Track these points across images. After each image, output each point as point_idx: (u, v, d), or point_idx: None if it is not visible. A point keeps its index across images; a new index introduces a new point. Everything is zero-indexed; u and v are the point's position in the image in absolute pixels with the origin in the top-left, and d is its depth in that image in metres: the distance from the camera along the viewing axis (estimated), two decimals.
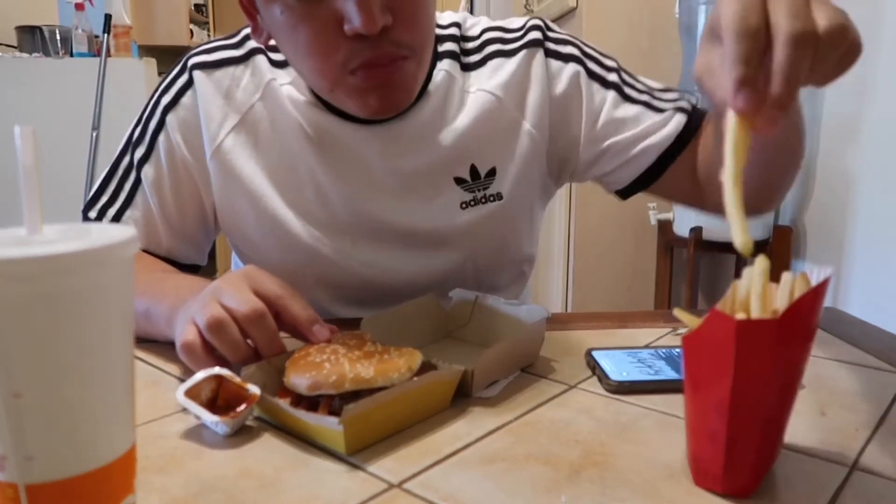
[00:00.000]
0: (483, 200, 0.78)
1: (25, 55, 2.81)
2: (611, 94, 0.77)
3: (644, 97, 0.77)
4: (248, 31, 0.77)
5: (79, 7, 2.99)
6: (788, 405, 0.41)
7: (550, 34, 0.78)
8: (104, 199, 0.78)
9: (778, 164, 0.67)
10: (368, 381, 0.46)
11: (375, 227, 0.77)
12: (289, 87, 0.75)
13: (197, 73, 0.75)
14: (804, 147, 0.68)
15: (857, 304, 1.62)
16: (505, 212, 0.80)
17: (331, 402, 0.47)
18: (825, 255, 1.77)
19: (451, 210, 0.78)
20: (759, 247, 1.81)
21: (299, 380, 0.47)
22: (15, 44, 2.94)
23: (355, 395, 0.46)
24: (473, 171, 0.77)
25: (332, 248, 0.77)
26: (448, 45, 0.77)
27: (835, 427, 0.49)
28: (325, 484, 0.41)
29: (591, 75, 0.77)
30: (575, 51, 0.78)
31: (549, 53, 0.77)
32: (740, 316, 0.38)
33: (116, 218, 0.77)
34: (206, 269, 0.87)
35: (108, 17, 2.76)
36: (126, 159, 0.78)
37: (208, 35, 4.57)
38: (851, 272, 1.66)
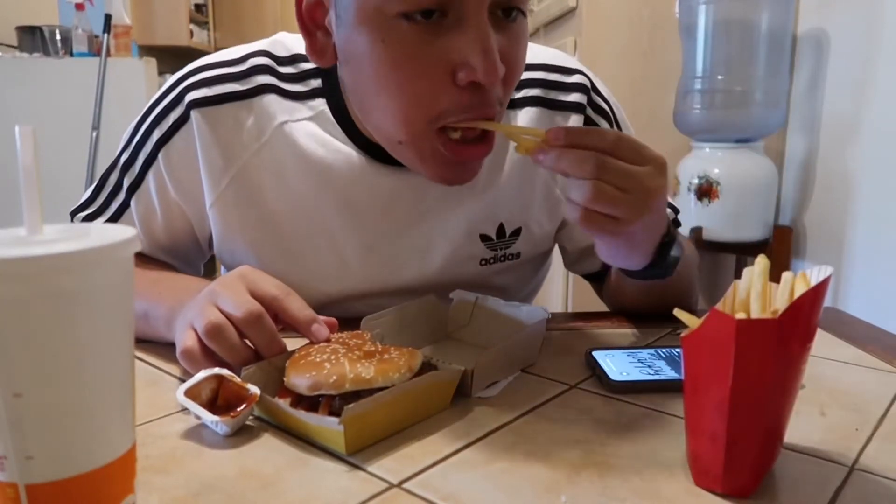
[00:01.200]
0: (502, 259, 0.77)
1: (25, 55, 2.81)
2: None
3: None
4: (255, 61, 0.70)
5: (79, 7, 2.99)
6: (788, 405, 0.41)
7: (594, 99, 0.76)
8: (91, 210, 0.76)
9: (666, 297, 0.71)
10: (369, 382, 0.46)
11: (387, 281, 0.74)
12: (309, 123, 0.69)
13: (195, 114, 0.68)
14: (690, 284, 0.77)
15: (857, 304, 1.62)
16: (519, 267, 0.79)
17: (331, 402, 0.47)
18: (825, 255, 1.77)
19: (469, 266, 0.75)
20: (759, 247, 1.81)
21: (299, 380, 0.47)
22: (15, 44, 2.94)
23: (356, 394, 0.46)
24: (500, 229, 0.75)
25: (336, 300, 0.74)
26: None
27: (835, 427, 0.49)
28: (325, 484, 0.41)
29: None
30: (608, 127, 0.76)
31: (587, 123, 0.75)
32: (740, 316, 0.38)
33: None
34: (207, 267, 0.87)
35: (108, 17, 2.76)
36: (115, 176, 0.75)
37: (208, 35, 4.56)
38: (851, 272, 1.66)
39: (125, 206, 0.74)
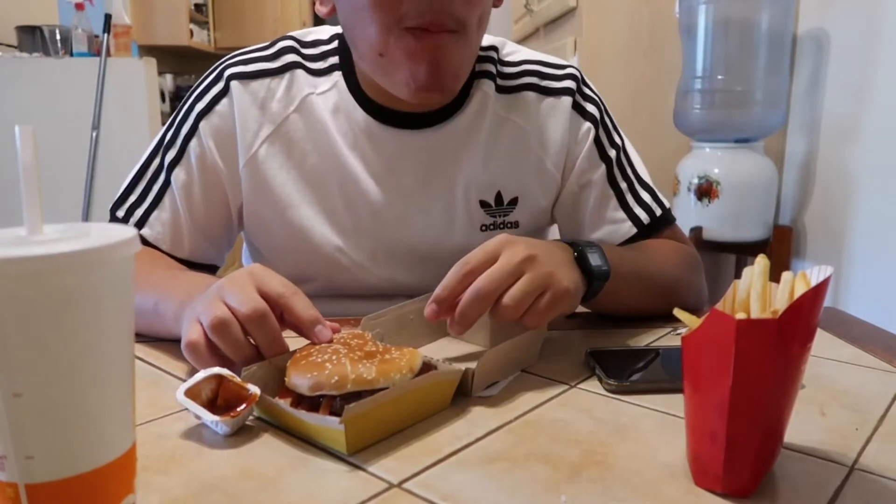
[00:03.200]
0: (501, 226, 0.82)
1: (25, 55, 2.80)
2: (601, 168, 0.82)
3: (623, 185, 0.82)
4: (283, 43, 0.80)
5: (79, 7, 2.99)
6: (788, 405, 0.41)
7: (583, 89, 0.83)
8: (132, 198, 0.80)
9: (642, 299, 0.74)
10: (370, 382, 0.46)
11: (396, 241, 0.80)
12: (330, 92, 0.78)
13: (234, 83, 0.77)
14: (670, 288, 0.76)
15: (857, 304, 1.62)
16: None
17: (332, 403, 0.47)
18: (825, 255, 1.77)
19: (471, 231, 0.81)
20: (759, 247, 1.81)
21: (300, 380, 0.47)
22: (15, 44, 2.94)
23: (356, 394, 0.46)
24: (498, 197, 0.81)
25: (352, 261, 0.80)
26: (486, 66, 0.80)
27: (835, 427, 0.49)
28: (325, 484, 0.41)
29: (597, 141, 0.82)
30: (596, 113, 0.82)
31: (576, 106, 0.81)
32: (740, 316, 0.38)
33: (144, 218, 0.78)
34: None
35: (108, 17, 2.76)
36: (156, 161, 0.80)
37: (208, 35, 4.56)
38: (851, 272, 1.66)
39: (166, 184, 0.79)
